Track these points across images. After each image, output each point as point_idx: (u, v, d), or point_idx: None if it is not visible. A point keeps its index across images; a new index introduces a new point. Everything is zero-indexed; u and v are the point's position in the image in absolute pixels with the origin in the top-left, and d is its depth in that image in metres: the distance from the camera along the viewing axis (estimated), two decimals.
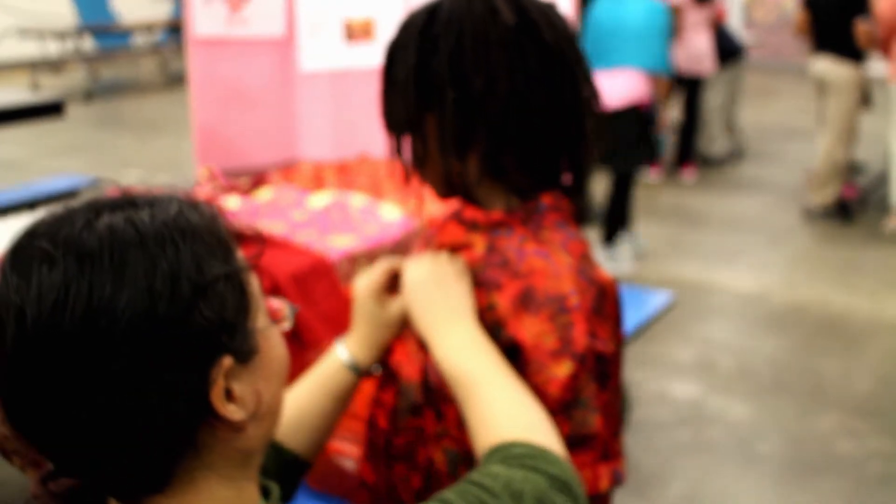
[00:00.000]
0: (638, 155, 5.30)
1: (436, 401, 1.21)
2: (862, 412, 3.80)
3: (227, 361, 0.81)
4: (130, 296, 0.76)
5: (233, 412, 0.82)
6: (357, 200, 2.92)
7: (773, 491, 3.29)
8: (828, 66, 6.14)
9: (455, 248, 1.24)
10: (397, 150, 1.25)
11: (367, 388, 1.36)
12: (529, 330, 1.14)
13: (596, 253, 5.54)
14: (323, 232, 2.72)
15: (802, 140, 8.41)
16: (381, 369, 1.31)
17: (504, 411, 1.06)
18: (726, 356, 4.30)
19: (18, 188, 5.90)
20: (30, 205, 5.00)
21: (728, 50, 7.44)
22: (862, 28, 5.81)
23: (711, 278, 5.32)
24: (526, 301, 1.15)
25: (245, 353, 0.83)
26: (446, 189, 1.25)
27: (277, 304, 0.94)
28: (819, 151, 6.43)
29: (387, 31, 3.50)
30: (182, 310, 0.77)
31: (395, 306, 1.27)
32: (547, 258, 1.18)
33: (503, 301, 1.17)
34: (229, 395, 0.82)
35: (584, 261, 1.21)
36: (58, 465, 0.84)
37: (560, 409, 1.13)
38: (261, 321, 0.86)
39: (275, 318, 0.92)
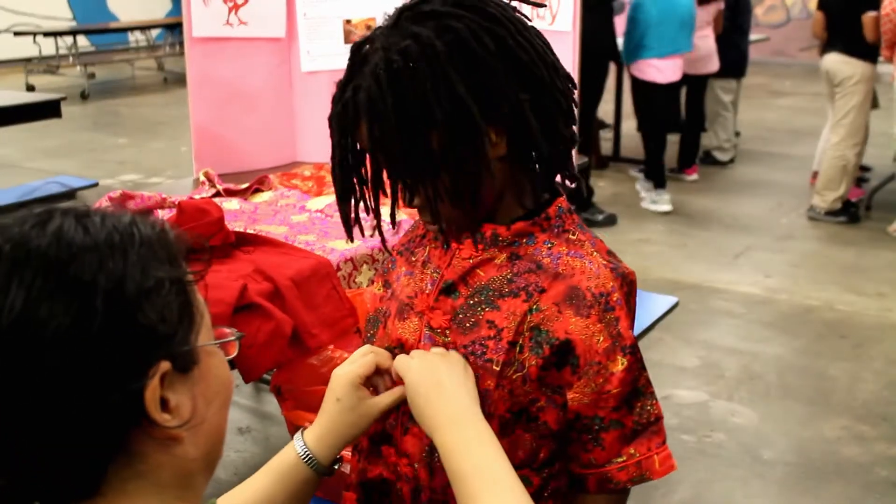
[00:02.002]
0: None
1: None
2: (868, 417, 3.76)
3: (165, 365, 0.80)
4: (72, 293, 0.76)
5: (166, 420, 0.81)
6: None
7: (779, 496, 3.24)
8: (837, 62, 6.09)
9: (476, 266, 1.24)
10: (427, 197, 1.18)
11: None
12: (580, 331, 1.17)
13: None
14: (323, 235, 2.67)
15: (807, 141, 8.37)
16: (341, 464, 1.28)
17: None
18: (731, 360, 4.25)
19: (14, 189, 5.86)
20: (25, 205, 4.97)
21: (735, 61, 7.42)
22: (868, 17, 5.77)
23: (715, 280, 5.27)
24: (572, 301, 1.18)
25: (185, 362, 0.83)
26: (470, 216, 1.23)
27: (226, 331, 0.93)
28: (824, 151, 6.39)
29: None
30: (124, 309, 0.78)
31: (368, 407, 1.21)
32: (582, 259, 1.22)
33: (547, 303, 1.19)
34: (165, 405, 0.81)
35: (611, 257, 1.26)
36: None
37: (622, 403, 1.20)
38: (204, 337, 0.86)
39: (221, 338, 0.91)
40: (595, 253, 1.24)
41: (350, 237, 1.31)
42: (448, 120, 1.12)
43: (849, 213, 6.26)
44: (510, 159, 1.19)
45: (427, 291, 1.27)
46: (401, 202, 1.26)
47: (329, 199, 2.95)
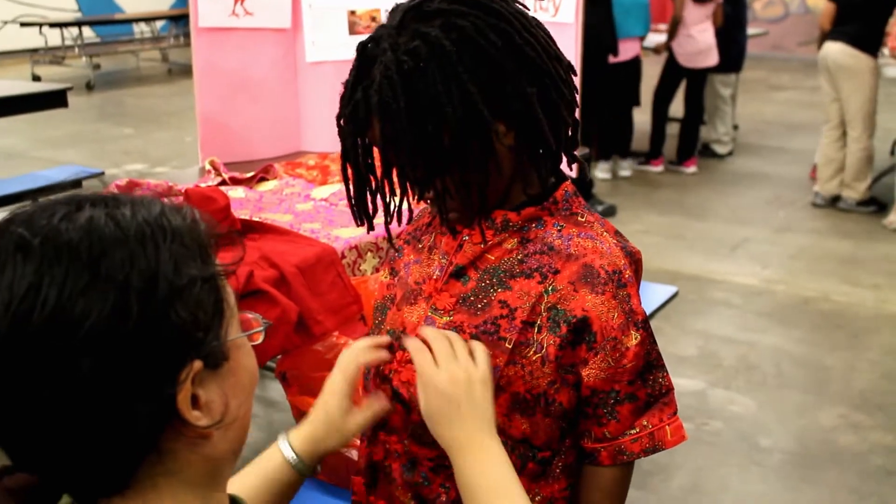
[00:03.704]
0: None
1: None
2: (864, 406, 3.81)
3: (197, 365, 0.79)
4: (104, 290, 0.73)
5: (197, 418, 0.80)
6: None
7: (776, 483, 3.29)
8: (844, 54, 6.11)
9: (486, 251, 1.27)
10: (438, 192, 1.21)
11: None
12: (596, 308, 1.21)
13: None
14: (328, 223, 2.71)
15: (805, 134, 8.42)
16: (319, 470, 1.32)
17: None
18: (728, 349, 4.30)
19: (21, 177, 5.90)
20: (33, 194, 5.02)
21: (734, 56, 7.48)
22: None
23: (713, 271, 5.32)
24: (587, 280, 1.22)
25: (216, 359, 0.81)
26: (479, 207, 1.25)
27: (251, 316, 0.92)
28: (827, 145, 6.43)
29: None
30: (157, 309, 0.76)
31: (349, 423, 1.27)
32: (593, 239, 1.25)
33: (562, 282, 1.22)
34: (195, 402, 0.80)
35: (619, 237, 1.30)
36: (14, 460, 0.81)
37: (636, 376, 1.23)
38: (234, 330, 0.85)
39: (247, 328, 0.90)
40: (605, 233, 1.28)
41: (371, 227, 1.33)
42: (458, 118, 1.14)
43: (877, 202, 6.33)
44: (517, 149, 1.22)
45: (435, 276, 1.30)
46: (411, 196, 1.28)
47: (334, 187, 3.00)
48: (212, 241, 0.84)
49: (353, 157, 1.25)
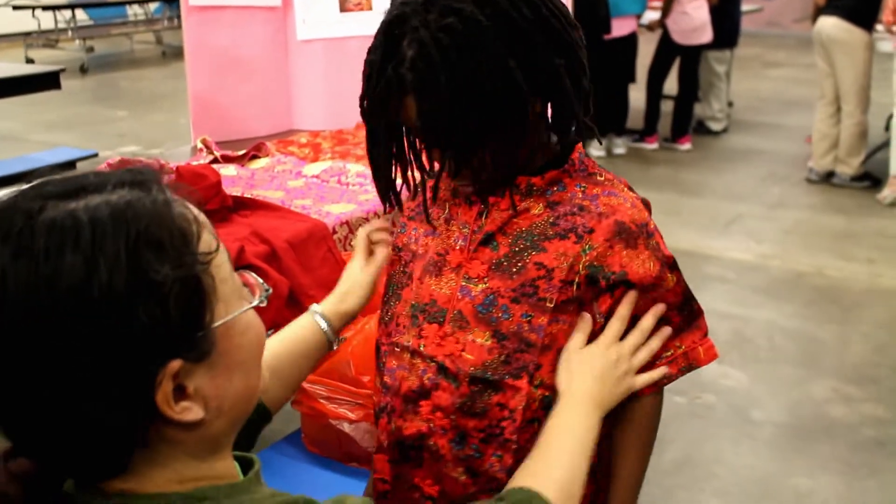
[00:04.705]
0: None
1: (526, 363, 1.27)
2: (856, 379, 3.83)
3: (174, 365, 0.78)
4: (64, 296, 0.74)
5: (185, 413, 0.81)
6: (354, 168, 2.92)
7: (768, 455, 3.32)
8: (838, 28, 6.10)
9: (514, 216, 1.29)
10: (474, 167, 1.24)
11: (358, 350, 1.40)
12: (632, 262, 1.27)
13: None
14: (319, 199, 2.72)
15: (800, 110, 8.41)
16: (341, 341, 1.38)
17: (562, 472, 1.15)
18: (722, 324, 4.31)
19: (15, 160, 5.91)
20: (25, 176, 5.02)
21: (728, 32, 7.47)
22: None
23: (707, 247, 5.33)
24: (621, 235, 1.26)
25: (199, 351, 0.81)
26: (508, 176, 1.27)
27: (252, 279, 0.92)
28: (822, 120, 6.43)
29: (382, 1, 3.49)
30: (119, 314, 0.75)
31: (369, 269, 1.44)
32: (617, 196, 1.30)
33: (598, 240, 1.26)
34: (183, 393, 0.81)
35: (633, 190, 1.36)
36: (15, 445, 0.83)
37: (674, 310, 1.32)
38: (223, 311, 0.83)
39: (246, 283, 0.90)
40: (624, 189, 1.33)
41: (401, 207, 1.38)
42: (498, 92, 1.15)
43: (871, 178, 6.34)
44: (545, 118, 1.26)
45: (458, 246, 1.31)
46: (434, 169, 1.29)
47: (325, 164, 3.00)
48: (193, 223, 0.82)
49: (385, 137, 1.26)
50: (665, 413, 1.36)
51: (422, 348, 1.30)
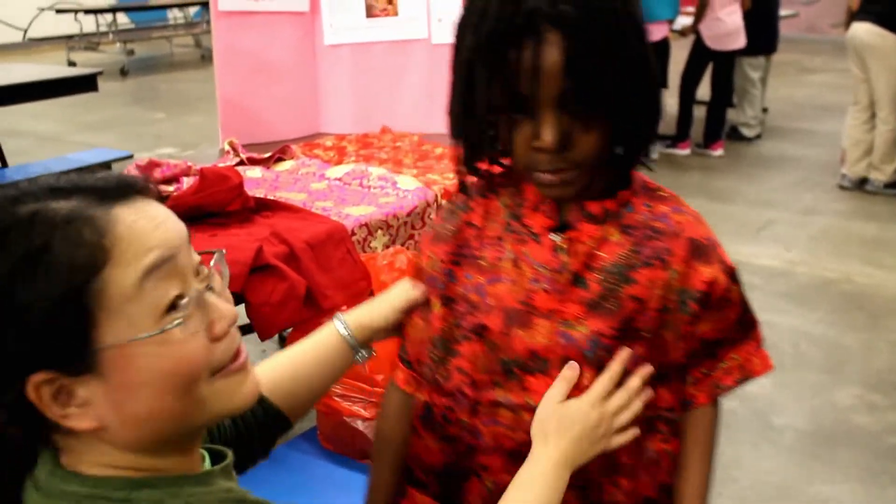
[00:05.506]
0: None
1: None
2: (881, 386, 3.80)
3: (39, 377, 0.81)
4: None
5: (72, 419, 0.83)
6: (376, 171, 2.97)
7: (788, 461, 3.31)
8: (872, 33, 6.04)
9: (595, 248, 1.21)
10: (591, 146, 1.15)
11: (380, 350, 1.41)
12: (709, 278, 1.23)
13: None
14: (340, 202, 2.77)
15: (835, 117, 8.34)
16: (372, 355, 1.36)
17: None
18: None
19: (54, 160, 6.03)
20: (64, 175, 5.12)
21: (765, 38, 7.44)
22: None
23: (736, 253, 5.31)
24: (697, 253, 1.23)
25: (80, 367, 0.82)
26: (595, 179, 1.19)
27: (220, 306, 0.91)
28: (853, 126, 6.39)
29: (409, 5, 3.54)
30: None
31: (402, 292, 1.34)
32: (683, 212, 1.26)
33: (679, 264, 1.22)
34: (71, 398, 0.83)
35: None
36: None
37: (737, 321, 1.29)
38: (121, 331, 0.82)
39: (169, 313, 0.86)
40: (683, 202, 1.29)
41: (474, 184, 1.29)
42: (635, 61, 1.11)
43: None
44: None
45: (542, 289, 1.21)
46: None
47: (348, 167, 3.05)
48: (106, 241, 0.81)
49: (486, 85, 1.11)
50: None
51: (530, 402, 1.21)
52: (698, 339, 1.26)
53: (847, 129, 6.52)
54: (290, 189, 2.91)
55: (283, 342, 2.29)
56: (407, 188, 2.83)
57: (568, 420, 1.18)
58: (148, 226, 0.84)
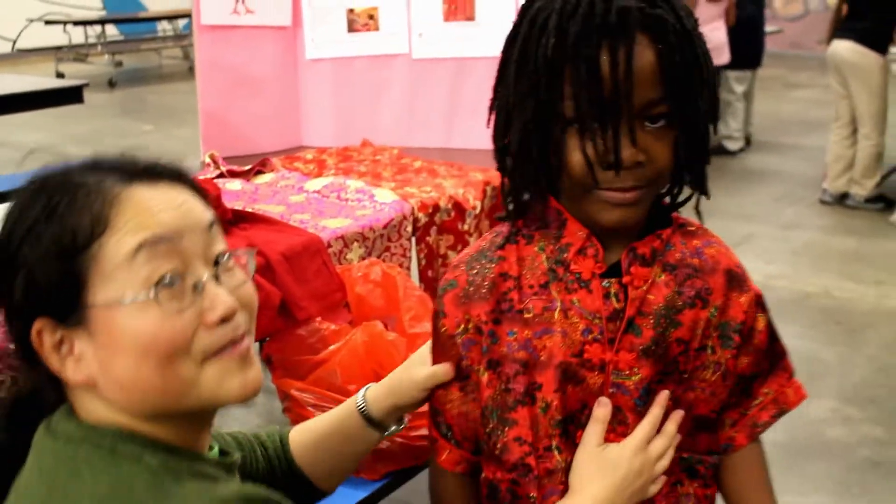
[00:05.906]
0: None
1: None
2: (857, 399, 3.84)
3: (39, 324, 0.92)
4: None
5: (69, 367, 0.93)
6: (353, 184, 3.00)
7: None
8: (852, 51, 6.11)
9: (647, 293, 1.17)
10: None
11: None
12: (746, 307, 1.22)
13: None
14: (318, 214, 2.80)
15: (819, 132, 8.39)
16: (402, 427, 1.33)
17: None
18: None
19: (40, 171, 6.04)
20: None
21: (751, 53, 7.51)
22: None
23: None
24: (733, 285, 1.21)
25: (73, 320, 0.91)
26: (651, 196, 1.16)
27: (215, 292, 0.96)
28: (836, 142, 6.45)
29: (390, 20, 3.58)
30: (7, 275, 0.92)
31: (427, 370, 1.26)
32: (713, 245, 1.24)
33: (719, 299, 1.20)
34: (71, 350, 0.93)
35: None
36: None
37: (767, 352, 1.25)
38: (111, 292, 0.90)
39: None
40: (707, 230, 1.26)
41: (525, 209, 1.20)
42: (711, 67, 1.10)
43: (885, 199, 6.35)
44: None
45: (595, 339, 1.16)
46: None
47: (326, 180, 3.08)
48: (110, 210, 0.91)
49: (566, 98, 1.04)
50: None
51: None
52: (737, 375, 1.23)
53: (830, 144, 6.58)
54: (269, 201, 2.93)
55: (261, 349, 2.31)
56: (384, 201, 2.86)
57: (610, 465, 1.15)
58: (158, 206, 0.92)
